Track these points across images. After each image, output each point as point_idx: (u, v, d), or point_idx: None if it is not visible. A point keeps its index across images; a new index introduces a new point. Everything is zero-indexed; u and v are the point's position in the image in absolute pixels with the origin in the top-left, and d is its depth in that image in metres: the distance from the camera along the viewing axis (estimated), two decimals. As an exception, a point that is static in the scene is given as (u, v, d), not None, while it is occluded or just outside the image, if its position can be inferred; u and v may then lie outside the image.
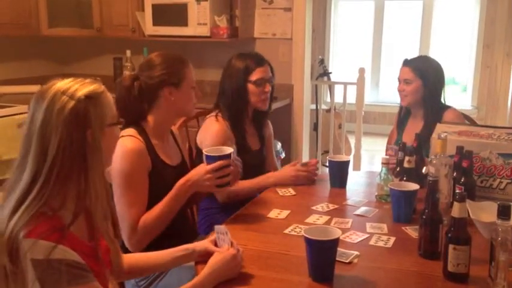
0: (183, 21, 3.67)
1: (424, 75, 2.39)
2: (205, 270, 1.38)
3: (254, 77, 2.24)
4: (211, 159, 1.74)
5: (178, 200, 1.77)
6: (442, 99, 2.46)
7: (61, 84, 1.17)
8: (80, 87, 1.17)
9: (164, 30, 3.75)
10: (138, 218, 1.73)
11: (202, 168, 1.76)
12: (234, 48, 3.87)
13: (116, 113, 1.27)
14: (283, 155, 3.65)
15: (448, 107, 2.43)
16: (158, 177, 1.80)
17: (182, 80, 1.84)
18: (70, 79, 1.19)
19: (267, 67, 2.30)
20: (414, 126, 2.43)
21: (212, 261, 1.39)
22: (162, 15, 3.74)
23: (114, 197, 1.71)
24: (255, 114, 2.36)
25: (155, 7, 3.74)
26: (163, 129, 1.90)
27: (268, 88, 2.28)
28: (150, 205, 1.77)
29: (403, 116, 2.56)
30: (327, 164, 2.25)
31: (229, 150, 1.77)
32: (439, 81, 2.43)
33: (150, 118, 1.85)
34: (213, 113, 2.26)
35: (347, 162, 2.24)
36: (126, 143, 1.74)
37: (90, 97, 1.16)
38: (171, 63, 1.85)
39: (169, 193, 1.76)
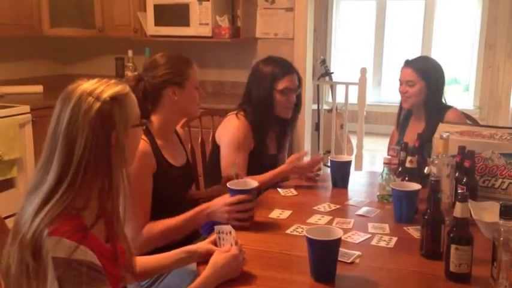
0: (184, 21, 3.67)
1: (427, 76, 2.37)
2: (206, 271, 1.37)
3: (281, 85, 2.22)
4: (233, 192, 1.73)
5: (192, 223, 1.75)
6: (443, 99, 2.45)
7: (87, 85, 1.18)
8: (105, 88, 1.17)
9: (166, 30, 3.75)
10: (142, 221, 1.71)
11: (223, 199, 1.73)
12: (236, 48, 3.87)
13: (140, 114, 1.27)
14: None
15: (450, 106, 2.43)
16: (163, 178, 1.79)
17: (186, 80, 1.84)
18: (95, 80, 1.20)
19: (295, 76, 2.28)
20: (416, 127, 2.42)
21: (213, 261, 1.39)
22: (163, 16, 3.74)
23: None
24: (279, 120, 2.33)
25: (157, 7, 3.74)
26: (168, 129, 1.90)
27: (293, 99, 2.26)
28: (154, 207, 1.76)
29: (404, 116, 2.55)
30: (329, 164, 2.25)
31: (252, 184, 1.75)
32: (441, 82, 2.43)
33: (155, 118, 1.84)
34: (234, 112, 2.25)
35: (349, 163, 2.24)
36: None
37: (115, 98, 1.17)
38: (175, 63, 1.85)
39: (186, 214, 1.74)
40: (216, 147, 2.24)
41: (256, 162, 2.14)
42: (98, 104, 1.14)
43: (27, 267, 1.10)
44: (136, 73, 3.90)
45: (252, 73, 2.30)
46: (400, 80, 2.45)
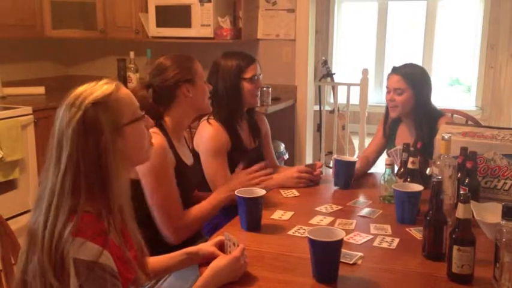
0: (186, 23, 3.68)
1: (415, 83, 2.30)
2: (207, 272, 1.37)
3: (248, 74, 2.24)
4: (240, 199, 1.72)
5: (219, 203, 1.90)
6: (432, 104, 2.37)
7: (73, 94, 1.17)
8: (87, 94, 1.17)
9: (167, 31, 3.76)
10: (177, 210, 1.77)
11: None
12: (237, 49, 3.86)
13: (137, 108, 1.25)
14: (286, 156, 3.65)
15: (440, 114, 2.35)
16: (179, 174, 1.83)
17: (195, 75, 1.88)
18: (84, 85, 1.20)
19: (257, 63, 2.31)
20: (406, 135, 2.37)
21: (214, 264, 1.39)
22: (165, 17, 3.75)
23: (147, 194, 1.73)
24: (247, 112, 2.36)
25: (158, 8, 3.75)
26: (181, 128, 1.93)
27: (260, 83, 2.30)
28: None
29: (392, 124, 2.47)
30: (331, 165, 2.25)
31: (260, 193, 1.77)
32: (428, 88, 2.36)
33: (168, 119, 1.87)
34: (205, 117, 2.24)
35: (354, 163, 2.24)
36: (153, 139, 1.75)
37: (97, 103, 1.16)
38: (181, 62, 1.89)
39: (210, 197, 1.90)
40: (196, 154, 2.23)
41: (238, 159, 2.14)
42: (79, 114, 1.14)
43: (51, 286, 1.09)
44: (139, 76, 3.95)
45: (213, 72, 2.27)
46: (387, 87, 2.37)
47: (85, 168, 1.13)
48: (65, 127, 1.14)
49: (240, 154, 2.19)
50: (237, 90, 2.24)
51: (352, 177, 2.20)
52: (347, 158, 2.34)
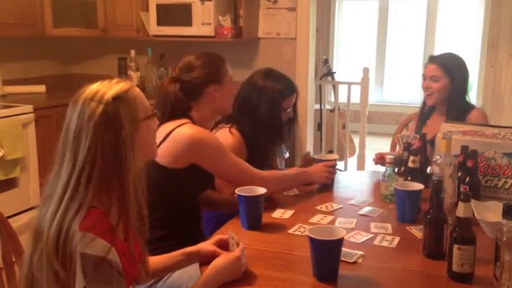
0: (187, 21, 3.68)
1: (451, 72, 2.35)
2: (207, 271, 1.38)
3: (286, 104, 2.25)
4: (241, 198, 1.72)
5: (300, 178, 2.07)
6: (467, 97, 2.42)
7: (89, 90, 1.20)
8: (106, 90, 1.20)
9: (168, 30, 3.76)
10: (249, 167, 1.89)
11: (320, 165, 2.13)
12: (238, 48, 3.87)
13: (149, 106, 1.29)
14: (287, 155, 3.64)
15: (473, 106, 2.40)
16: (200, 170, 1.84)
17: (224, 75, 1.92)
18: (98, 83, 1.23)
19: (296, 95, 2.32)
20: (437, 122, 2.37)
21: (216, 262, 1.39)
22: (166, 15, 3.75)
23: (218, 174, 1.90)
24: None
25: (159, 7, 3.75)
26: (204, 127, 1.94)
27: (291, 114, 2.31)
28: (190, 196, 1.87)
29: (427, 111, 2.51)
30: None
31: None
32: (464, 78, 2.40)
33: (194, 114, 1.90)
34: (227, 125, 2.19)
35: (335, 161, 2.22)
36: (194, 128, 1.83)
37: (117, 97, 1.19)
38: (212, 61, 1.93)
39: (297, 170, 2.10)
40: None
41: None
42: (101, 107, 1.17)
43: (57, 275, 1.10)
44: (139, 75, 3.95)
45: (253, 87, 2.22)
46: (423, 75, 2.43)
47: (103, 161, 1.15)
48: (86, 121, 1.15)
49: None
50: (278, 121, 2.22)
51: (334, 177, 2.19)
52: (327, 156, 2.31)
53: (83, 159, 1.14)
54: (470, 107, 2.39)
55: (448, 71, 2.35)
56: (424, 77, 2.42)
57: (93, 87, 1.21)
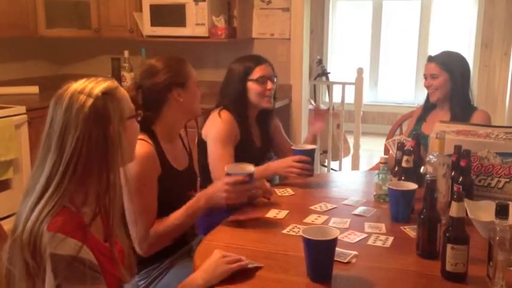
0: (181, 22, 3.67)
1: (450, 68, 2.40)
2: (196, 272, 1.39)
3: (255, 75, 2.28)
4: (231, 176, 1.72)
5: (190, 215, 1.74)
6: (470, 95, 2.45)
7: (76, 85, 1.20)
8: (95, 85, 1.20)
9: (162, 30, 3.75)
10: (148, 225, 1.70)
11: (220, 182, 1.73)
12: (232, 48, 3.87)
13: (133, 106, 1.29)
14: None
15: (476, 107, 2.44)
16: (166, 182, 1.79)
17: (187, 79, 1.86)
18: (83, 79, 1.22)
19: (267, 65, 2.33)
20: (439, 117, 2.40)
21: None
22: (160, 16, 3.74)
23: (124, 199, 1.66)
24: (260, 115, 2.39)
25: (153, 8, 3.74)
26: (173, 132, 1.90)
27: (270, 85, 2.30)
28: (158, 211, 1.75)
29: (428, 108, 2.54)
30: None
31: (250, 169, 1.74)
32: (465, 73, 2.45)
33: (159, 123, 1.83)
34: (216, 110, 2.29)
35: (313, 150, 2.20)
36: (137, 147, 1.72)
37: (106, 93, 1.20)
38: (173, 64, 1.85)
39: (186, 205, 1.74)
40: (203, 145, 2.25)
41: (243, 154, 2.16)
42: (90, 101, 1.17)
43: (28, 266, 1.10)
44: (133, 76, 3.93)
45: (226, 77, 2.36)
46: (424, 74, 2.48)
47: (88, 156, 1.15)
48: (75, 113, 1.15)
49: (246, 149, 2.21)
50: (243, 92, 2.28)
51: (313, 164, 2.18)
52: (304, 146, 2.27)
53: (70, 152, 1.13)
54: (473, 107, 2.43)
55: (445, 67, 2.41)
56: (425, 76, 2.48)
57: (79, 83, 1.21)
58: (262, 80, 2.28)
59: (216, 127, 2.22)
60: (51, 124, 1.17)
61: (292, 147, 2.24)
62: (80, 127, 1.14)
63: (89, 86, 1.19)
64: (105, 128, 1.17)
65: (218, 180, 1.76)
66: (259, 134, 2.41)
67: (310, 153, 2.17)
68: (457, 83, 2.41)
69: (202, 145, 2.28)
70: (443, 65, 2.42)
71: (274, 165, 2.22)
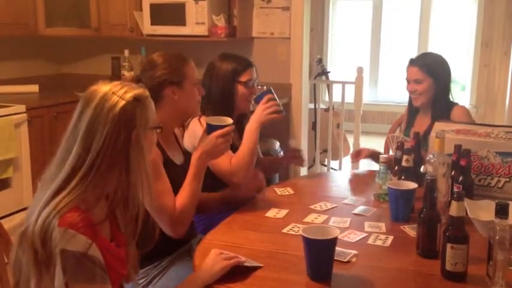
0: (181, 21, 3.67)
1: (434, 72, 2.36)
2: (194, 272, 1.40)
3: (244, 78, 2.24)
4: (215, 128, 1.75)
5: (199, 175, 1.75)
6: (450, 95, 2.42)
7: (110, 85, 1.23)
8: (128, 89, 1.23)
9: (162, 29, 3.75)
10: (173, 205, 1.70)
11: (212, 137, 1.76)
12: (232, 47, 3.86)
13: (156, 119, 1.31)
14: (281, 154, 3.65)
15: (454, 103, 2.41)
16: (167, 173, 1.78)
17: (184, 78, 1.83)
18: (117, 82, 1.25)
19: (254, 69, 2.30)
20: (422, 123, 2.41)
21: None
22: (160, 15, 3.74)
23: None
24: (238, 117, 2.30)
25: (153, 6, 3.74)
26: (168, 130, 1.89)
27: (255, 90, 2.27)
28: None
29: (413, 112, 2.52)
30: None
31: (229, 120, 1.80)
32: (447, 75, 2.41)
33: None
34: (196, 116, 2.19)
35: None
36: None
37: (138, 99, 1.22)
38: (172, 62, 1.84)
39: (189, 173, 1.75)
40: (188, 154, 2.18)
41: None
42: (122, 102, 1.19)
43: (37, 255, 1.11)
44: (133, 74, 3.93)
45: (209, 72, 2.26)
46: (407, 79, 2.43)
47: (112, 153, 1.17)
48: (106, 112, 1.17)
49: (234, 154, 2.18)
50: (231, 93, 2.23)
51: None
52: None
53: (97, 148, 1.16)
54: (451, 104, 2.40)
55: (429, 72, 2.36)
56: (408, 81, 2.42)
57: (114, 84, 1.23)
58: (250, 84, 2.25)
59: (197, 132, 2.05)
60: (78, 118, 1.19)
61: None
62: (108, 125, 1.17)
63: (123, 89, 1.22)
64: (130, 132, 1.19)
65: (206, 137, 1.77)
66: (238, 137, 2.30)
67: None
68: (440, 86, 2.36)
69: (187, 154, 2.23)
70: (427, 69, 2.36)
71: (255, 117, 2.09)
